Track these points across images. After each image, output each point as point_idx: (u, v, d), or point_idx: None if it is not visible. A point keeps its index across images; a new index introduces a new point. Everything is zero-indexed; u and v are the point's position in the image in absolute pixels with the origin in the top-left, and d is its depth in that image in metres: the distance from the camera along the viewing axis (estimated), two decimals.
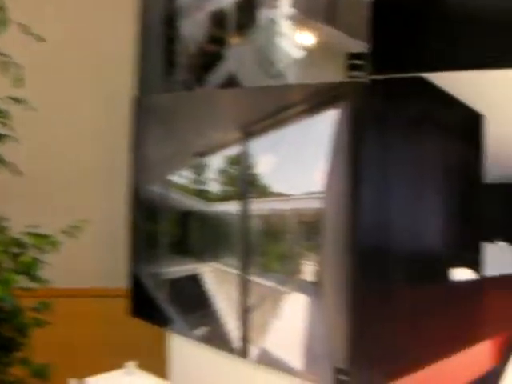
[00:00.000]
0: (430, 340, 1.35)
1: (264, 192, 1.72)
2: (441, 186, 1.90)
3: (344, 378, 1.41)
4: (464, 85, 1.51)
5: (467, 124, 1.79)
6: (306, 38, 1.55)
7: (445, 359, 1.16)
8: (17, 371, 1.92)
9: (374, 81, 1.31)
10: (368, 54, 1.28)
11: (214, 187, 1.93)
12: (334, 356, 1.47)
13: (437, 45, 1.28)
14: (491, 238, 1.78)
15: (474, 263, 1.81)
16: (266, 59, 1.66)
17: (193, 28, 2.04)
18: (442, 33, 1.28)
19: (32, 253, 1.85)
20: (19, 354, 1.91)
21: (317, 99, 1.46)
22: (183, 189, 2.11)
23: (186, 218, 2.19)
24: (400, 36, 1.30)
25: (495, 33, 1.20)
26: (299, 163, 1.60)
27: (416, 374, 1.11)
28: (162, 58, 2.20)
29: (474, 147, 1.73)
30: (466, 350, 1.23)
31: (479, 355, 1.26)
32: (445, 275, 1.82)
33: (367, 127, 1.43)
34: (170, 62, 2.17)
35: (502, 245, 1.86)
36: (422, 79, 1.30)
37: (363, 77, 1.31)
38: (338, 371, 1.43)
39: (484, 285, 1.87)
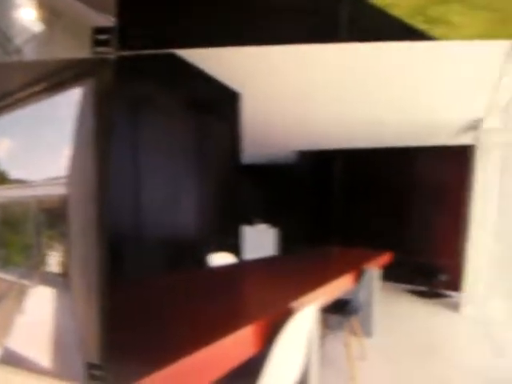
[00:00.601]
0: (192, 327, 1.35)
1: (0, 179, 1.51)
2: (196, 166, 1.89)
3: (97, 372, 1.40)
4: (219, 61, 1.54)
5: (223, 102, 1.84)
6: (47, 12, 1.38)
7: (209, 345, 1.14)
8: None
9: (121, 57, 1.23)
10: (114, 29, 1.21)
11: None
12: (86, 351, 1.43)
13: (187, 21, 1.25)
14: (251, 220, 1.87)
15: (234, 246, 1.87)
16: (1, 34, 1.43)
17: None
18: (192, 9, 1.26)
19: None
20: None
21: (58, 77, 1.30)
22: None
23: None
24: (150, 11, 1.25)
25: (248, 9, 1.24)
26: (40, 147, 1.43)
27: (179, 362, 1.04)
28: None
29: (231, 126, 1.79)
30: (231, 334, 1.23)
31: (244, 339, 1.33)
32: (204, 261, 1.91)
33: (115, 107, 1.33)
34: None
35: (260, 226, 2.03)
36: (173, 56, 1.29)
37: (110, 53, 1.23)
38: (91, 366, 1.40)
39: (243, 268, 2.01)
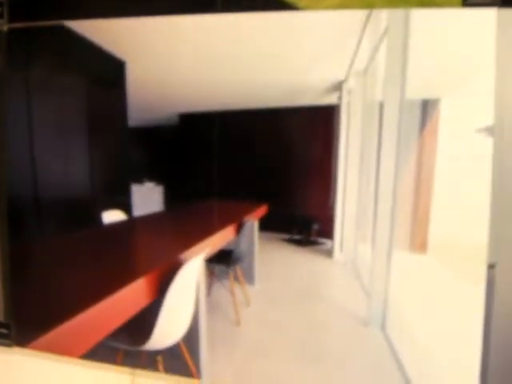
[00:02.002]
0: (90, 283, 1.40)
1: None
2: (87, 132, 1.92)
3: (3, 330, 1.43)
4: (106, 32, 1.58)
5: (111, 70, 1.90)
6: None
7: (106, 299, 1.20)
8: None
9: (12, 29, 1.21)
10: (5, 2, 1.19)
11: None
12: None
13: None
14: (139, 179, 1.96)
15: (124, 204, 1.94)
16: None
17: None
18: None
19: None
20: None
21: None
22: None
23: None
24: None
25: None
26: None
27: (81, 315, 1.11)
28: None
29: (119, 92, 1.86)
30: (126, 287, 1.31)
31: (137, 292, 1.41)
32: (97, 218, 1.97)
33: (6, 77, 1.29)
34: None
35: (148, 185, 2.14)
36: (63, 27, 1.30)
37: (1, 25, 1.21)
38: None
39: (133, 224, 2.10)
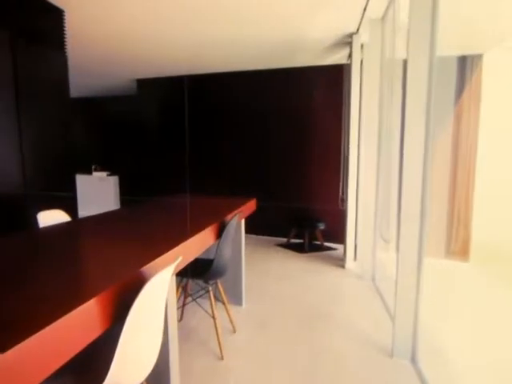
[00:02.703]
0: (20, 308, 1.35)
1: None
2: (14, 104, 1.96)
3: None
4: None
5: (46, 21, 1.90)
6: None
7: (43, 329, 1.17)
8: None
9: None
10: None
11: None
12: None
13: None
14: (87, 168, 1.98)
15: (67, 202, 1.97)
16: None
17: None
18: None
19: None
20: None
21: None
22: None
23: None
24: None
25: None
26: None
27: (10, 352, 1.05)
28: None
29: (56, 49, 1.87)
30: (70, 314, 1.28)
31: (86, 318, 1.41)
32: (30, 221, 1.98)
33: None
34: None
35: (98, 174, 2.14)
36: None
37: None
38: None
39: (80, 228, 2.11)
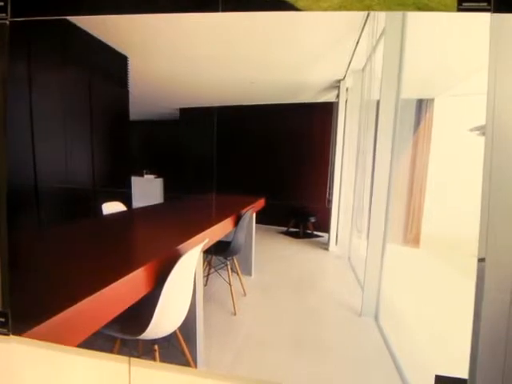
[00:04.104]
0: (89, 272, 1.40)
1: None
2: (89, 125, 1.93)
3: (1, 319, 1.45)
4: (109, 28, 1.59)
5: (114, 65, 1.90)
6: None
7: (104, 288, 1.19)
8: None
9: (14, 22, 1.22)
10: None
11: None
12: None
13: None
14: (140, 172, 1.96)
15: (124, 196, 1.94)
16: None
17: None
18: None
19: None
20: None
21: None
22: None
23: None
24: None
25: None
26: None
27: (79, 304, 1.09)
28: None
29: (121, 86, 1.85)
30: (126, 277, 1.31)
31: (135, 282, 1.40)
32: (97, 210, 1.97)
33: (10, 68, 1.31)
34: None
35: (148, 177, 2.14)
36: (67, 22, 1.28)
37: (4, 18, 1.22)
38: None
39: (133, 216, 2.10)
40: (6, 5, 1.19)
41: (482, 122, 1.32)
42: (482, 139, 1.32)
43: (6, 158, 1.38)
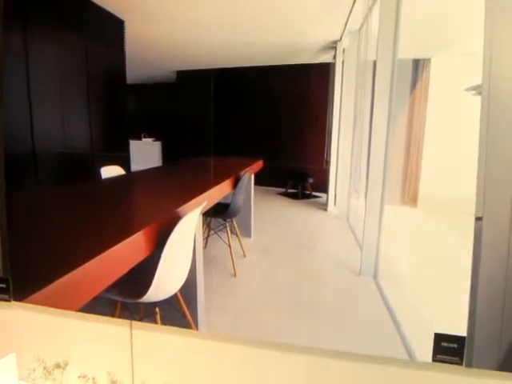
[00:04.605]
0: (88, 236, 1.38)
1: None
2: (85, 89, 1.91)
3: (2, 286, 1.44)
4: None
5: (110, 29, 1.86)
6: None
7: (105, 252, 1.18)
8: None
9: None
10: None
11: None
12: None
13: None
14: (138, 135, 1.94)
15: (123, 160, 1.93)
16: None
17: None
18: None
19: None
20: None
21: None
22: None
23: None
24: None
25: None
26: None
27: (79, 269, 1.08)
28: None
29: (118, 50, 1.82)
30: (126, 240, 1.29)
31: (135, 245, 1.39)
32: (96, 173, 1.96)
33: (4, 34, 1.30)
34: None
35: (146, 140, 2.12)
36: None
37: None
38: None
39: (132, 179, 2.09)
40: None
41: (478, 81, 1.30)
42: (478, 98, 1.31)
43: (2, 124, 1.34)
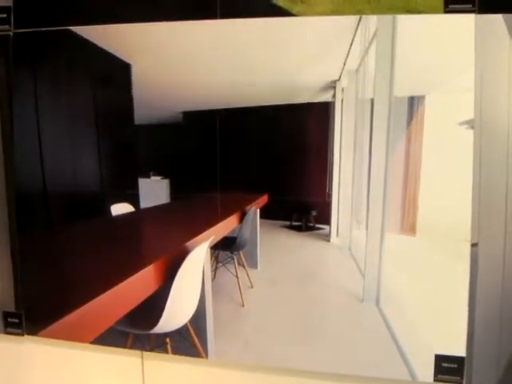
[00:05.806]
0: (100, 271, 1.40)
1: None
2: (95, 130, 1.95)
3: (14, 320, 1.43)
4: (111, 37, 1.60)
5: (117, 72, 1.92)
6: None
7: (116, 286, 1.19)
8: None
9: (18, 34, 1.23)
10: (12, 8, 1.22)
11: None
12: (2, 301, 1.43)
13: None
14: (146, 173, 1.97)
15: (132, 197, 1.96)
16: None
17: None
18: None
19: None
20: None
21: None
22: None
23: None
24: None
25: None
26: None
27: (91, 302, 1.09)
28: None
29: (125, 92, 1.87)
30: (135, 275, 1.31)
31: (146, 278, 1.41)
32: (106, 211, 1.99)
33: (15, 78, 1.34)
34: None
35: (154, 178, 2.16)
36: (70, 32, 1.30)
37: (7, 30, 1.24)
38: (8, 315, 1.44)
39: (141, 216, 2.12)
40: (8, 16, 1.20)
41: (470, 116, 1.34)
42: (470, 132, 1.34)
43: (14, 165, 1.38)
